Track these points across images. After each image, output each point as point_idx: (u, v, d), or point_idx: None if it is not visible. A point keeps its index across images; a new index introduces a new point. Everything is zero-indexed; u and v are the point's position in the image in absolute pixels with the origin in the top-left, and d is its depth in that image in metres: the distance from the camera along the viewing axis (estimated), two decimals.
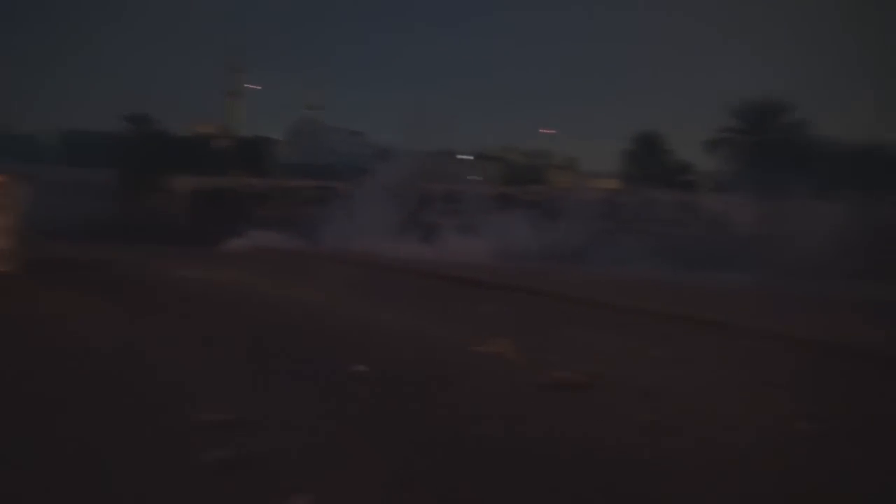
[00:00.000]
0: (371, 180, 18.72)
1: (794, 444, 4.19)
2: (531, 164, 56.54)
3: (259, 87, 68.02)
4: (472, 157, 47.43)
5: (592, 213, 16.96)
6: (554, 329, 7.40)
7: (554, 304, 9.40)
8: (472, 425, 4.32)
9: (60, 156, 41.25)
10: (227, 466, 3.48)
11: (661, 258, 13.19)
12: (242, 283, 10.05)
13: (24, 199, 11.72)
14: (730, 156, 49.32)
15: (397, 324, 7.39)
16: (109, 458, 3.60)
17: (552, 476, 3.59)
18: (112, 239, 15.26)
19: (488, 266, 12.29)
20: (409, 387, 5.05)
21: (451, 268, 12.01)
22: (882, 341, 6.84)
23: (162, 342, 6.23)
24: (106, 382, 4.93)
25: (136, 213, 19.78)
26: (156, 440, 3.86)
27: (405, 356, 5.97)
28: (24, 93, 78.46)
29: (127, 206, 21.61)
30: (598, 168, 62.34)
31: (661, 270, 12.29)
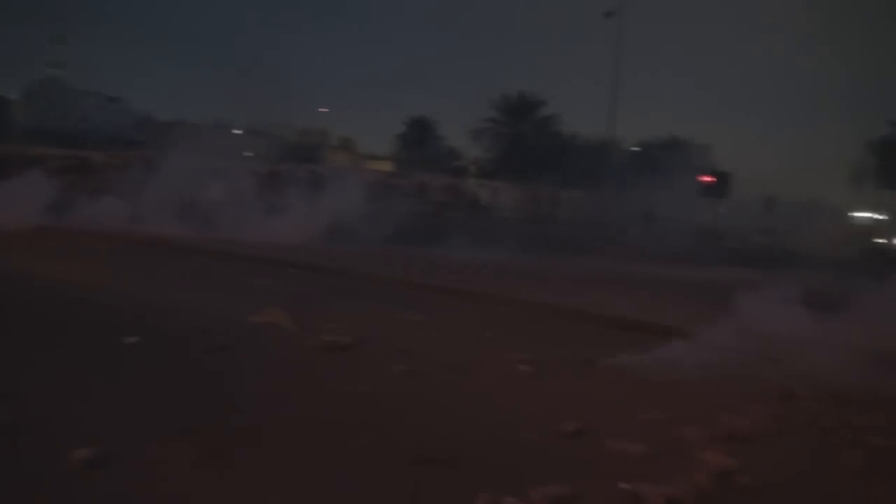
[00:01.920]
0: (141, 151, 17.44)
1: (517, 380, 5.34)
2: (306, 142, 56.13)
3: None
4: (242, 133, 45.75)
5: (366, 192, 17.70)
6: (325, 300, 8.03)
7: (324, 277, 10.02)
8: (246, 381, 4.82)
9: None
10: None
11: (429, 237, 14.41)
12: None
13: None
14: (491, 144, 53.78)
15: (177, 300, 7.44)
16: None
17: (321, 413, 4.23)
18: None
19: (262, 243, 12.44)
20: (187, 354, 5.34)
21: (227, 244, 11.99)
22: (589, 304, 8.51)
23: None
24: None
25: None
26: None
27: (182, 329, 6.16)
28: None
29: None
30: (374, 150, 63.69)
31: (427, 248, 13.46)
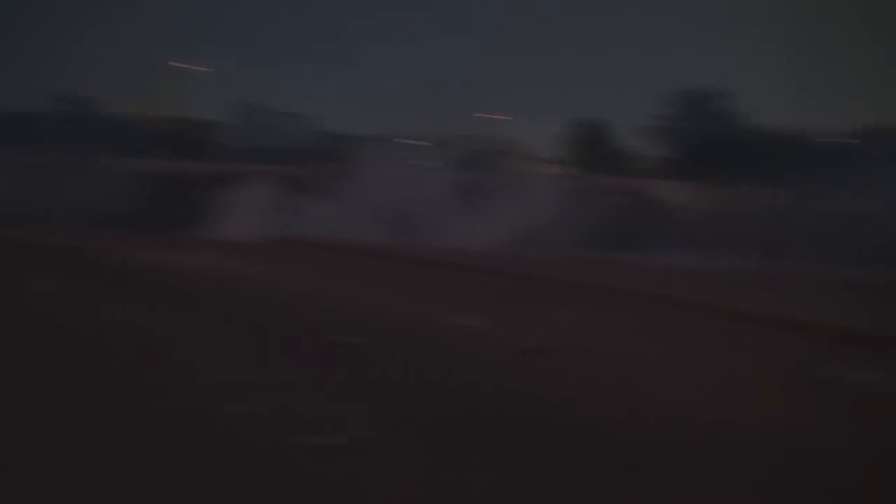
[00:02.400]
0: (345, 166, 18.83)
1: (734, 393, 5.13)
2: (485, 148, 56.84)
3: (205, 69, 64.97)
4: (428, 143, 47.11)
5: (552, 197, 17.79)
6: (522, 304, 8.29)
7: (519, 282, 10.27)
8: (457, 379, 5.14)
9: None
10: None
11: (619, 241, 14.27)
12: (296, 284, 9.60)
13: None
14: (668, 142, 51.26)
15: (387, 304, 8.02)
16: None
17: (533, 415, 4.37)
18: (69, 222, 15.38)
19: (458, 249, 12.98)
20: (399, 352, 5.79)
21: (426, 251, 12.68)
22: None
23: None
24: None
25: (79, 196, 19.02)
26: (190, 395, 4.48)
27: (391, 329, 6.65)
28: None
29: (70, 189, 20.50)
30: (542, 153, 63.10)
31: (618, 252, 13.33)
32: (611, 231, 16.37)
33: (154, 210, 18.66)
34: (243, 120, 64.92)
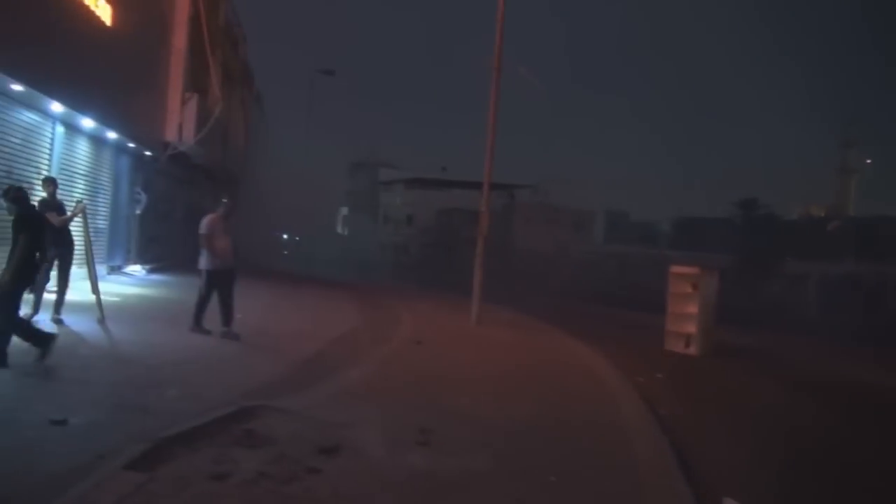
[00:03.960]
0: None
1: None
2: None
3: (868, 161, 62.99)
4: None
5: None
6: None
7: None
8: None
9: (673, 240, 40.60)
10: None
11: None
12: None
13: (712, 289, 13.06)
14: None
15: None
16: None
17: None
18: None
19: None
20: None
21: None
22: None
23: None
24: None
25: (759, 300, 18.74)
26: None
27: None
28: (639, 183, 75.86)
29: (752, 292, 19.87)
30: None
31: None
32: None
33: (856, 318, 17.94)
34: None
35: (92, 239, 13.88)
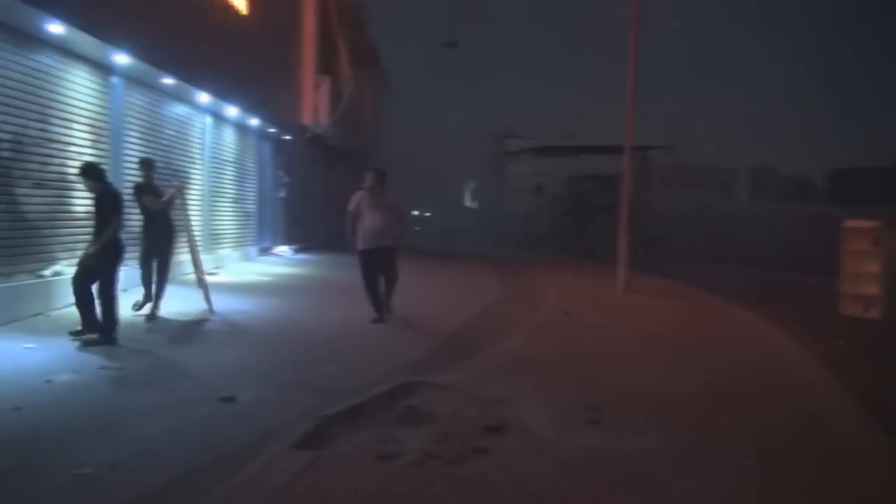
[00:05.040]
0: None
1: None
2: None
3: None
4: None
5: None
6: None
7: None
8: None
9: (829, 195, 38.89)
10: None
11: None
12: None
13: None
14: None
15: None
16: None
17: None
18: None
19: None
20: None
21: None
22: None
23: None
24: None
25: None
26: None
27: None
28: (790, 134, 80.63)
29: None
30: None
31: None
32: None
33: None
34: None
35: (244, 221, 14.52)
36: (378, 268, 8.26)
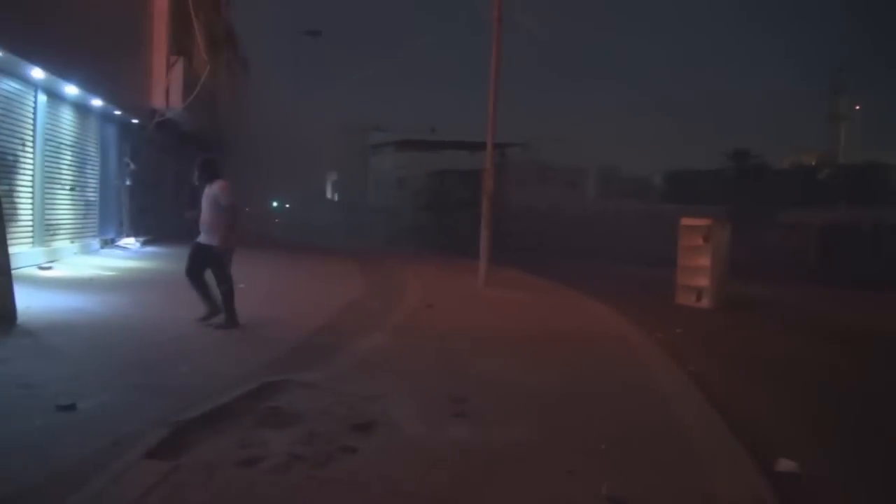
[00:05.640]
0: None
1: None
2: None
3: (857, 107, 60.76)
4: None
5: None
6: None
7: None
8: None
9: (665, 194, 39.33)
10: None
11: None
12: None
13: (723, 241, 12.75)
14: None
15: None
16: None
17: None
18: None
19: None
20: None
21: None
22: None
23: None
24: None
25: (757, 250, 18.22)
26: None
27: None
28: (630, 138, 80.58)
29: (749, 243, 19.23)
30: None
31: None
32: None
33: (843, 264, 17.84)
34: None
35: (84, 211, 13.34)
36: (203, 264, 7.46)
